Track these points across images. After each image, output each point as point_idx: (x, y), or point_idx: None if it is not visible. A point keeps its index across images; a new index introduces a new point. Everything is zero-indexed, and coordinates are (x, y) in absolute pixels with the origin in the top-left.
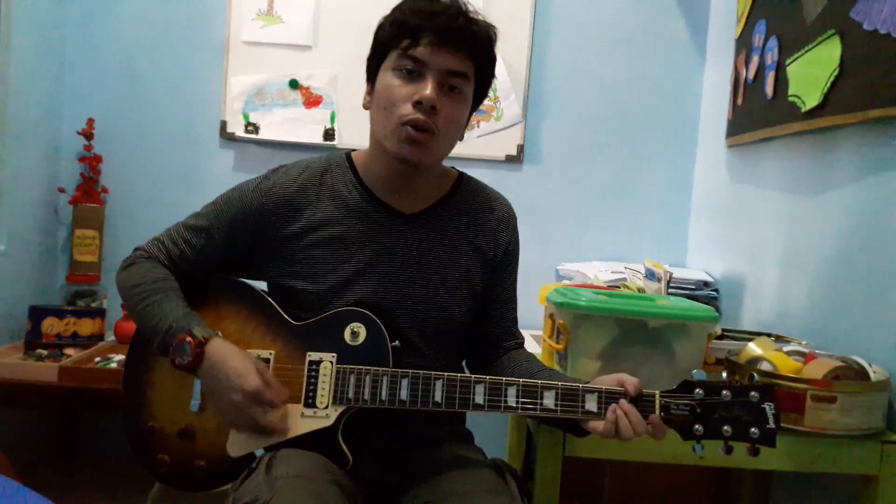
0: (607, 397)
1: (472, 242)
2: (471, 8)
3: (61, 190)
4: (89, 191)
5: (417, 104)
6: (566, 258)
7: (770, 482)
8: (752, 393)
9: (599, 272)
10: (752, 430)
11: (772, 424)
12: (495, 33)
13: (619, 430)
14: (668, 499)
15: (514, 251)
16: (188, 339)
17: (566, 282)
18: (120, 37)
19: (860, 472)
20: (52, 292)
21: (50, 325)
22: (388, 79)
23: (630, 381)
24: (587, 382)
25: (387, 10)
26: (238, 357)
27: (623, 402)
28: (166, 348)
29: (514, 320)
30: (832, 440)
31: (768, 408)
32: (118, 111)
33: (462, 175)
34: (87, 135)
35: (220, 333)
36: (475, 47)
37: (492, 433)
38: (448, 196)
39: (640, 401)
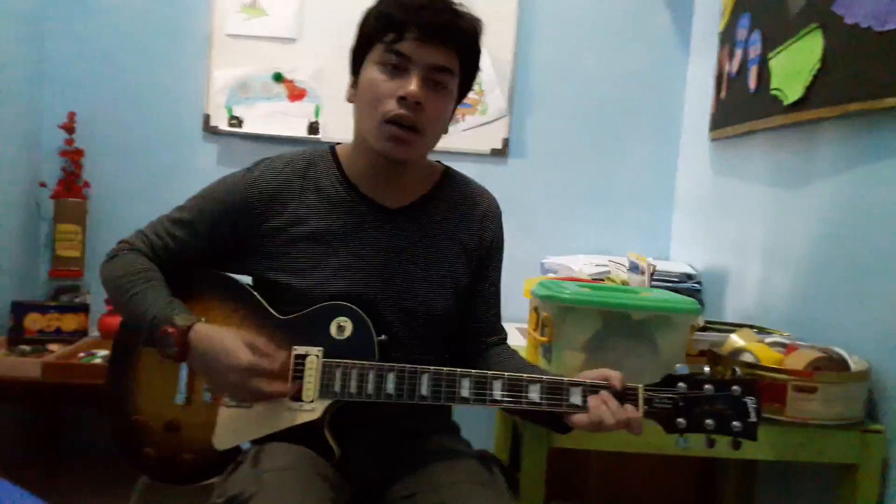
0: (591, 391)
1: (456, 237)
2: (456, 1)
3: (42, 184)
4: (71, 185)
5: (402, 100)
6: (551, 251)
7: (755, 472)
8: (734, 387)
9: (584, 265)
10: (734, 423)
11: (753, 418)
12: (481, 27)
13: (601, 416)
14: (653, 489)
15: (499, 246)
16: (170, 330)
17: (551, 275)
18: (101, 29)
19: (841, 460)
20: (34, 288)
21: (33, 321)
22: (373, 73)
23: (614, 375)
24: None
25: (371, 3)
26: (224, 336)
27: (603, 392)
28: (153, 340)
29: (498, 315)
30: (813, 430)
31: (750, 402)
32: (100, 105)
33: (448, 169)
34: (69, 128)
35: (202, 319)
36: (460, 42)
37: (479, 426)
38: (433, 191)
39: (624, 395)
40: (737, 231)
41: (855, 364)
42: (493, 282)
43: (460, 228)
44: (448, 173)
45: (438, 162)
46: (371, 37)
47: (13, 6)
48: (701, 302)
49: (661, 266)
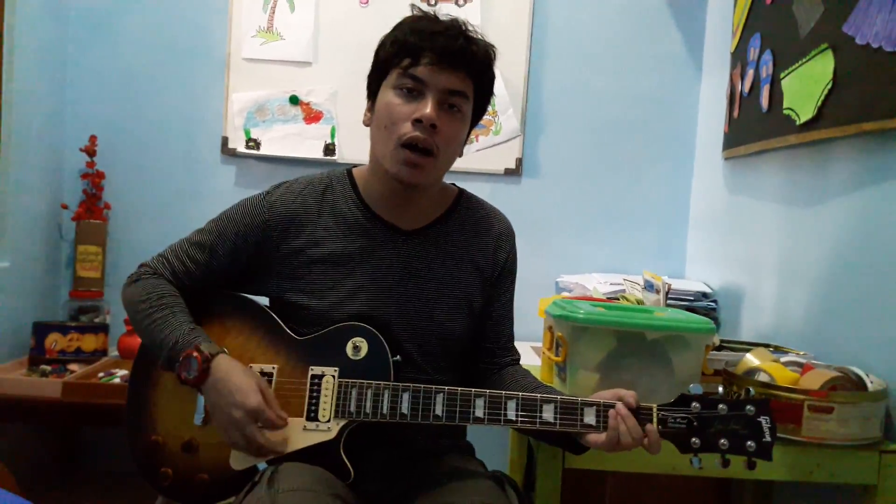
0: (605, 410)
1: (470, 259)
2: (470, 27)
3: (64, 206)
4: (92, 207)
5: (417, 122)
6: (565, 270)
7: (771, 492)
8: (749, 407)
9: (598, 284)
10: (749, 443)
11: (768, 438)
12: (494, 52)
13: (619, 434)
14: None
15: (512, 268)
16: (195, 354)
17: (565, 294)
18: (121, 54)
19: (858, 482)
20: (55, 308)
21: (53, 341)
22: (389, 97)
23: (628, 394)
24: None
25: (385, 27)
26: (242, 374)
27: (620, 406)
28: (172, 363)
29: (511, 336)
30: (830, 450)
31: (764, 421)
32: (120, 128)
33: (462, 192)
34: (90, 151)
35: (225, 350)
36: (474, 67)
37: (493, 446)
38: (447, 213)
39: (638, 414)
40: (751, 249)
41: (872, 384)
42: (507, 303)
43: (474, 250)
44: (462, 195)
45: (453, 184)
46: (387, 62)
47: (35, 33)
48: (717, 321)
49: (677, 285)
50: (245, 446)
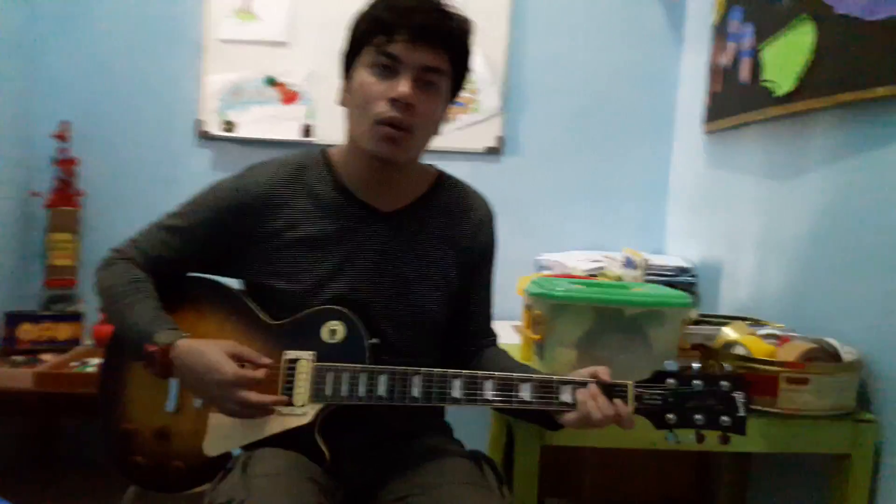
0: (580, 387)
1: (450, 240)
2: (446, 2)
3: (35, 194)
4: (65, 194)
5: (393, 102)
6: (546, 248)
7: (749, 464)
8: (723, 382)
9: (579, 262)
10: (723, 418)
11: (742, 413)
12: (471, 27)
13: (588, 411)
14: (649, 483)
15: (492, 250)
16: (152, 348)
17: (546, 272)
18: (93, 37)
19: (833, 451)
20: (28, 297)
21: (26, 331)
22: (364, 76)
23: (602, 371)
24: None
25: (362, 5)
26: (207, 350)
27: (591, 385)
28: (138, 355)
29: (489, 318)
30: (806, 421)
31: (738, 396)
32: (93, 113)
33: (441, 173)
34: (62, 137)
35: (184, 333)
36: (451, 43)
37: (474, 425)
38: (427, 194)
39: (613, 391)
40: (731, 223)
41: (847, 354)
42: (486, 285)
43: (454, 232)
44: (442, 177)
45: (432, 166)
46: (361, 40)
47: (4, 15)
48: (696, 295)
49: (656, 260)
50: (245, 413)
